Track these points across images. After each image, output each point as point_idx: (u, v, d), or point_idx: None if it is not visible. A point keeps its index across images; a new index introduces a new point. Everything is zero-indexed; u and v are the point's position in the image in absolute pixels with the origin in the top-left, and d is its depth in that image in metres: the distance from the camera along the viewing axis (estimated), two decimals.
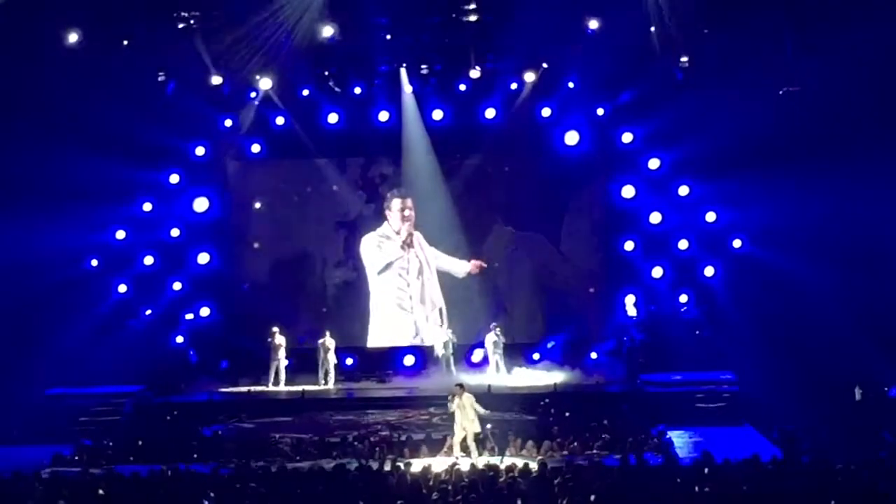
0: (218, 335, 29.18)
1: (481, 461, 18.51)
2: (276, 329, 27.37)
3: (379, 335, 29.47)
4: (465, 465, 17.52)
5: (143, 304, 28.62)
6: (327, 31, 26.34)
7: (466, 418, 20.49)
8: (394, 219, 29.50)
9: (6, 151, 25.85)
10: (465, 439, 20.47)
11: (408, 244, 29.47)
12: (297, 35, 26.33)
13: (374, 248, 29.58)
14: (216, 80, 27.70)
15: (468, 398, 20.69)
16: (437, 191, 29.33)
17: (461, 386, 21.15)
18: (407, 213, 29.38)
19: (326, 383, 27.21)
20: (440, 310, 29.32)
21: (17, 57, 25.22)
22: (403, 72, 28.70)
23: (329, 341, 27.36)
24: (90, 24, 25.96)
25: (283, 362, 27.30)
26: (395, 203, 29.44)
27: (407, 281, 29.49)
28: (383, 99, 29.12)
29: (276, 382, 27.25)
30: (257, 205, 29.83)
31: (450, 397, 21.05)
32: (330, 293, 29.68)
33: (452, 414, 20.83)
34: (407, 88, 28.89)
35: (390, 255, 29.56)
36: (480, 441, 20.69)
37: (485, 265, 29.24)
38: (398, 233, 29.49)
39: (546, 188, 29.12)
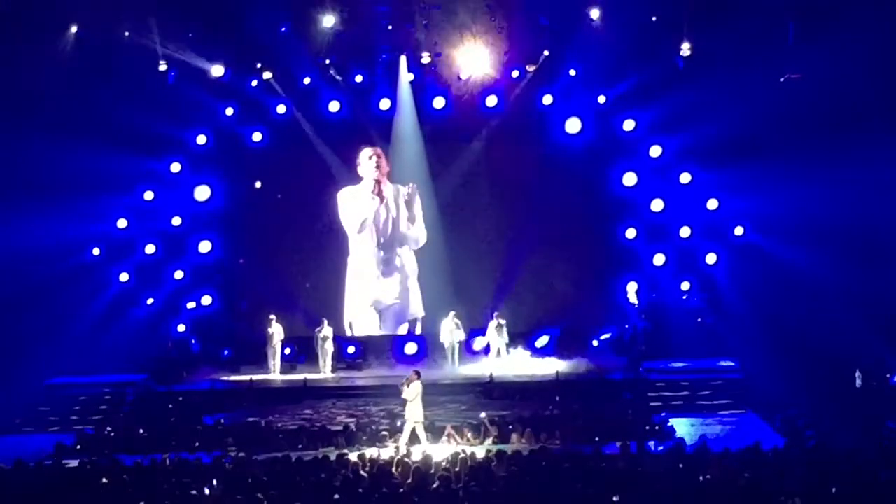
0: (219, 324, 29.24)
1: (481, 450, 18.47)
2: (272, 317, 27.40)
3: (356, 306, 29.21)
4: (467, 452, 17.48)
5: (144, 293, 28.66)
6: (329, 20, 26.34)
7: (415, 405, 20.44)
8: (365, 170, 29.09)
9: (8, 143, 25.83)
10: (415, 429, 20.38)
11: (377, 193, 29.09)
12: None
13: (349, 200, 29.23)
14: (217, 70, 27.87)
15: (418, 386, 20.59)
16: (435, 179, 29.33)
17: (417, 373, 21.03)
18: (376, 160, 28.98)
19: (326, 371, 27.29)
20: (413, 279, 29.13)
21: (19, 48, 25.20)
22: (403, 60, 28.66)
23: (326, 329, 27.41)
24: (91, 15, 25.96)
25: (279, 350, 27.35)
26: (365, 153, 29.07)
27: (379, 238, 29.23)
28: (385, 87, 29.09)
29: (274, 370, 27.36)
30: (258, 184, 29.72)
31: (404, 381, 20.86)
32: (321, 278, 29.59)
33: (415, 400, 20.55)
34: (406, 77, 28.84)
35: (364, 209, 29.17)
36: (427, 429, 20.63)
37: None
38: (367, 181, 29.11)
39: (547, 175, 29.05)
